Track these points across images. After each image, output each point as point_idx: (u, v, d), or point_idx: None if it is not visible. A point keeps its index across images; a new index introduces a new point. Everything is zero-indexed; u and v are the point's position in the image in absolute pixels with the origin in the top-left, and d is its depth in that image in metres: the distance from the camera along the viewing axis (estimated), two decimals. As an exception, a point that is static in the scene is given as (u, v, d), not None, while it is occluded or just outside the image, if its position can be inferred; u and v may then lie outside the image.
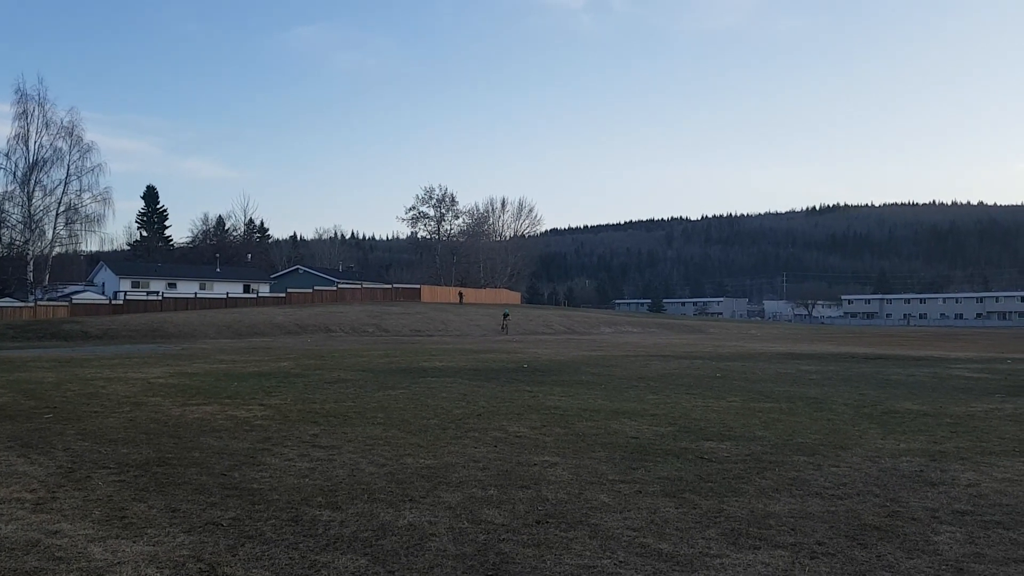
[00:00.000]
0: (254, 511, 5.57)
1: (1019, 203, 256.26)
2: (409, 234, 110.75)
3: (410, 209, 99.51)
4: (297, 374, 17.29)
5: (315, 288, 69.61)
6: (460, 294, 58.91)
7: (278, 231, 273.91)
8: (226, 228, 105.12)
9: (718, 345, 37.40)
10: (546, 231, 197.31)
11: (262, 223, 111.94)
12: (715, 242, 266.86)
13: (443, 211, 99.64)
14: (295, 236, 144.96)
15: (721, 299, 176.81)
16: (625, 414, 10.78)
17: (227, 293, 64.80)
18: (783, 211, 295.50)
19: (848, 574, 4.31)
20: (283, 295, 66.21)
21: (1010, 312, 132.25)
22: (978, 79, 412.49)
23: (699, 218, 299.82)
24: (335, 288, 71.28)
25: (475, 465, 7.15)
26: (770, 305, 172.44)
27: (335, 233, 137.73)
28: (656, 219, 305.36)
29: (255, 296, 66.64)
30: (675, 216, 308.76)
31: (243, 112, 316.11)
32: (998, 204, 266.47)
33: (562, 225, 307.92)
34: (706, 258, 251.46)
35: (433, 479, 6.56)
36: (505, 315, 53.36)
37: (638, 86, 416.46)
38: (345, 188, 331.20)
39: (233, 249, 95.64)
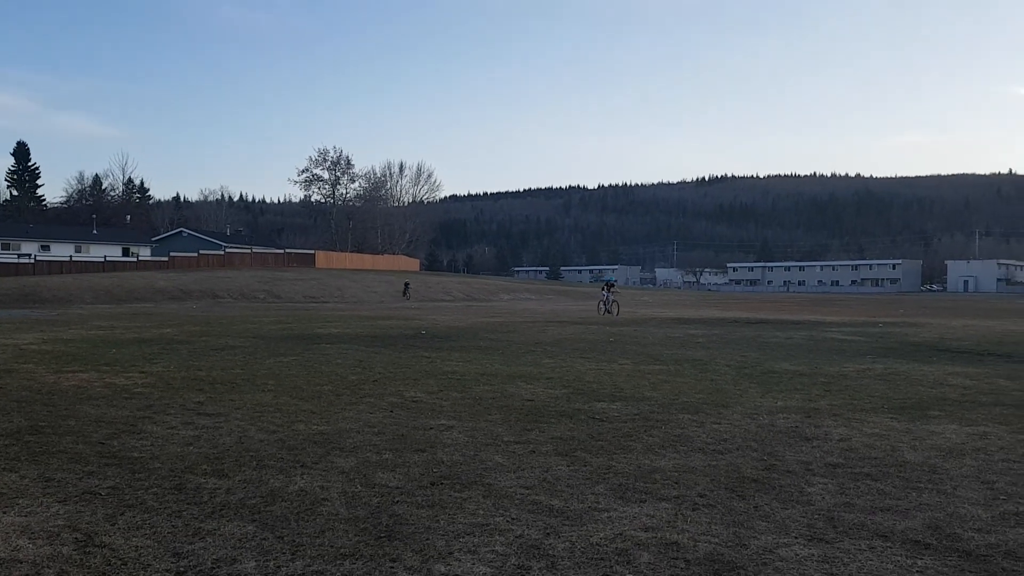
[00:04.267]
0: (134, 480, 5.33)
1: (893, 176, 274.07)
2: (303, 197, 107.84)
3: (303, 171, 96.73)
4: (181, 340, 16.61)
5: (201, 252, 66.90)
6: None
7: (160, 192, 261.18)
8: (103, 188, 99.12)
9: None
10: (446, 197, 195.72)
11: (142, 183, 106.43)
12: (611, 211, 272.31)
13: (338, 174, 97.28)
14: (178, 197, 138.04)
15: (616, 267, 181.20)
16: (521, 378, 10.91)
17: (105, 256, 61.36)
18: (675, 181, 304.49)
19: (727, 524, 4.52)
20: (166, 259, 63.34)
21: (882, 279, 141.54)
22: (857, 58, 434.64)
23: (596, 187, 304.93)
24: (223, 252, 68.73)
25: (370, 430, 7.08)
26: (661, 273, 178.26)
27: (222, 195, 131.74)
28: (555, 187, 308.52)
29: (135, 260, 63.45)
30: (573, 185, 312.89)
31: (122, 67, 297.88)
32: (874, 176, 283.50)
33: (462, 192, 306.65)
34: (602, 226, 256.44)
35: (326, 445, 6.46)
36: (406, 284, 52.96)
37: (536, 55, 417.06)
38: (233, 148, 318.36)
39: (111, 210, 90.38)
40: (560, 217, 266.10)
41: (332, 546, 4.10)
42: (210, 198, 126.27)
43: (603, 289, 33.64)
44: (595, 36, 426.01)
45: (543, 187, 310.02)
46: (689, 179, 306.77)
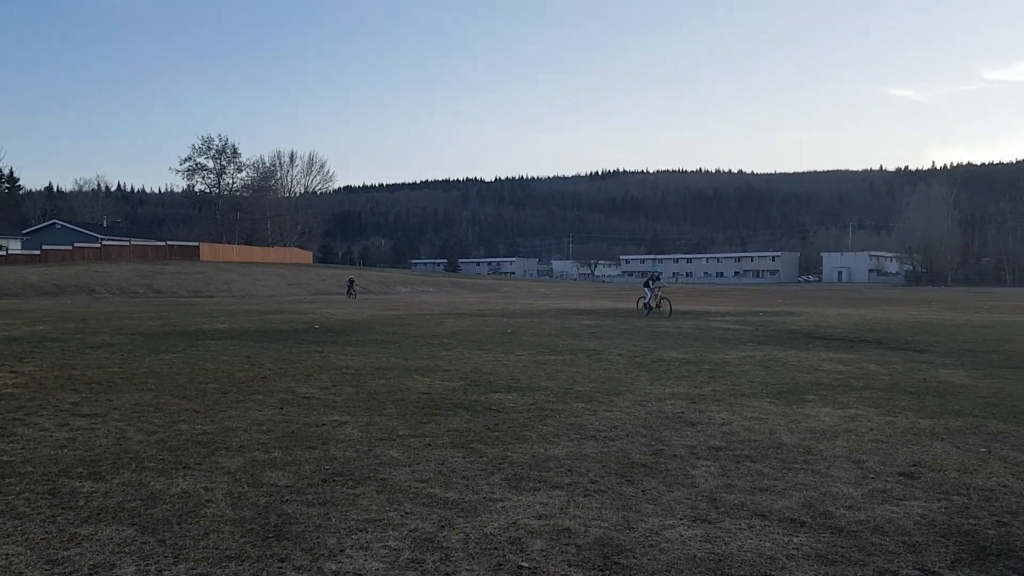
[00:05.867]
0: (4, 485, 4.98)
1: (773, 172, 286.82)
2: (185, 187, 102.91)
3: (185, 160, 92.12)
4: (55, 338, 15.61)
5: (76, 245, 63.03)
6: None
7: (31, 182, 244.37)
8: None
9: (509, 303, 38.67)
10: (340, 188, 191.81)
11: (11, 172, 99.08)
12: (508, 203, 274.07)
13: (224, 163, 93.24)
14: (51, 187, 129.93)
15: (513, 259, 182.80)
16: (418, 371, 10.84)
17: (-32, 250, 56.85)
18: (570, 175, 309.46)
19: (617, 508, 4.64)
20: (37, 252, 59.29)
21: (763, 270, 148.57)
22: (738, 58, 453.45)
23: (493, 180, 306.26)
24: (99, 245, 65.01)
25: (258, 428, 6.86)
26: (558, 265, 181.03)
27: (98, 185, 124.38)
28: (452, 179, 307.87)
29: (4, 254, 59.02)
30: (470, 177, 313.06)
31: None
32: (755, 172, 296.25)
33: (357, 183, 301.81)
34: (499, 219, 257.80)
35: (211, 445, 6.22)
36: (351, 281, 48.78)
37: (432, 46, 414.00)
38: (110, 136, 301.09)
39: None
40: (458, 209, 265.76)
41: (217, 548, 3.96)
42: (85, 188, 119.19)
43: (647, 284, 27.15)
44: (490, 29, 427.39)
45: (440, 179, 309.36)
46: (583, 173, 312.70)
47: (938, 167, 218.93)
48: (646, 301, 26.74)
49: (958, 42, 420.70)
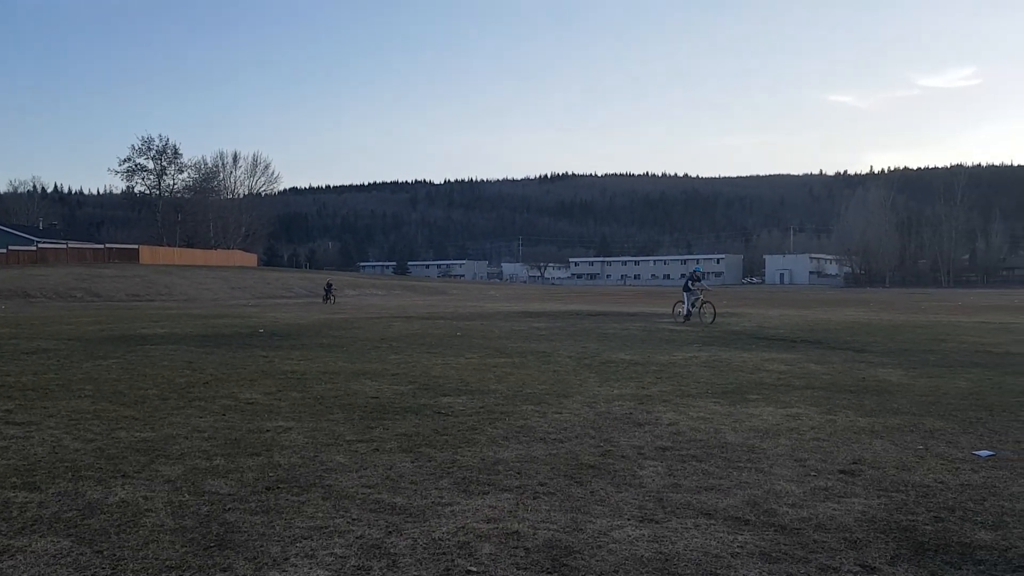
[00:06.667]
0: (-78, 503, 4.75)
1: (717, 176, 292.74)
2: (125, 189, 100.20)
3: (125, 161, 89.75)
4: (-15, 345, 15.00)
5: (10, 248, 60.83)
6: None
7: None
8: None
9: (459, 306, 38.58)
10: (285, 190, 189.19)
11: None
12: (457, 206, 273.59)
13: (164, 164, 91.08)
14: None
15: (463, 262, 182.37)
16: (366, 375, 10.71)
17: None
18: (519, 178, 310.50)
19: (565, 510, 4.65)
20: (-32, 256, 57.04)
21: (708, 272, 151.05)
22: (683, 64, 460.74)
23: (442, 182, 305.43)
24: (35, 248, 62.87)
25: (199, 435, 6.69)
26: (507, 267, 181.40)
27: (34, 186, 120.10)
28: (400, 181, 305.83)
29: (-69, 257, 56.71)
30: (419, 179, 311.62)
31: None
32: (700, 176, 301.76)
33: (303, 184, 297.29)
34: (449, 221, 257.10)
35: (150, 453, 6.04)
36: (329, 285, 45.35)
37: (379, 46, 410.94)
38: (45, 136, 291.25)
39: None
40: (407, 212, 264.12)
41: (156, 558, 3.84)
42: (20, 189, 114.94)
43: (686, 287, 23.07)
44: (439, 31, 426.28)
45: (389, 181, 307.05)
46: (532, 176, 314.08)
47: (876, 171, 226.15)
48: (686, 306, 22.84)
49: (895, 50, 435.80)
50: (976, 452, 6.13)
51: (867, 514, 4.59)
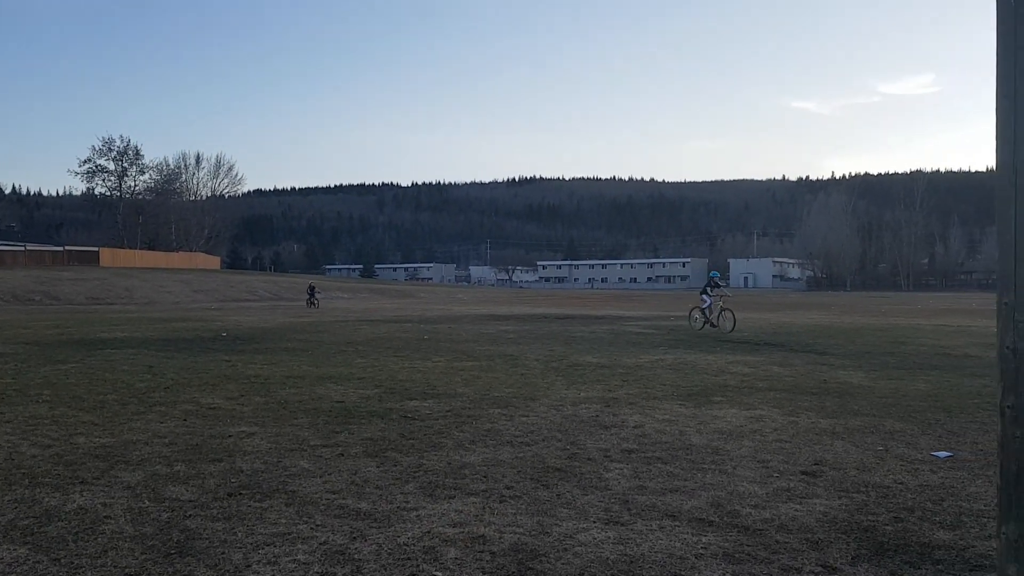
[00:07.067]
0: None
1: (683, 180, 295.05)
2: (85, 190, 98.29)
3: (85, 162, 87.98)
4: (-63, 350, 14.59)
5: (-35, 250, 59.35)
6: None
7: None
8: None
9: (426, 309, 38.42)
10: (249, 192, 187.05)
11: None
12: (425, 209, 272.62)
13: (126, 165, 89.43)
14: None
15: (431, 265, 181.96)
16: (331, 379, 10.62)
17: None
18: (487, 181, 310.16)
19: (532, 513, 4.64)
20: (-80, 258, 55.52)
21: (674, 276, 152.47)
22: (650, 69, 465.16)
23: (410, 185, 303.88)
24: (-8, 250, 61.39)
25: (160, 441, 6.57)
26: (475, 270, 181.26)
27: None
28: (368, 184, 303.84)
29: None
30: (386, 182, 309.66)
31: None
32: (667, 181, 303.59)
33: (267, 186, 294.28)
34: (417, 224, 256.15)
35: (109, 459, 5.92)
36: (312, 288, 42.94)
37: (345, 47, 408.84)
38: (2, 135, 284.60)
39: None
40: (374, 214, 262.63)
41: (116, 566, 3.77)
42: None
43: (704, 291, 22.16)
44: (406, 32, 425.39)
45: (355, 183, 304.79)
46: (500, 179, 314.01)
47: (837, 177, 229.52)
48: (704, 310, 21.77)
49: (856, 57, 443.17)
50: (935, 453, 6.26)
51: (828, 515, 4.66)
